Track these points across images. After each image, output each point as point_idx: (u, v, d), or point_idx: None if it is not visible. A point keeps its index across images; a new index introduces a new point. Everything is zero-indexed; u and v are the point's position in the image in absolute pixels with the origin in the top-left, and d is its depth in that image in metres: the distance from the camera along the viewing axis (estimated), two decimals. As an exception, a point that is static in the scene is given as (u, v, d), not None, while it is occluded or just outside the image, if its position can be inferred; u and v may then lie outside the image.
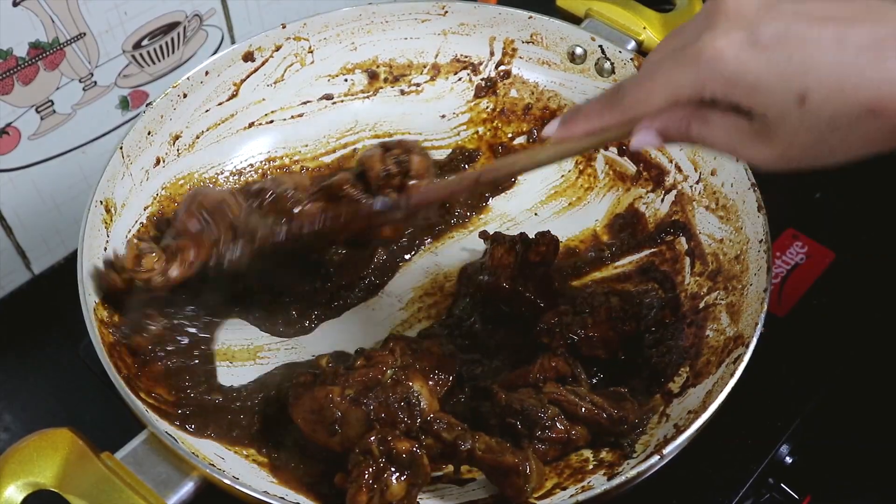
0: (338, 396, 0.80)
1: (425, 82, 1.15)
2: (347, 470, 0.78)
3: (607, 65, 1.08)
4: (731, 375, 0.80)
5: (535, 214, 1.09)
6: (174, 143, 1.02)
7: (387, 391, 0.81)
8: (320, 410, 0.81)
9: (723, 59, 0.60)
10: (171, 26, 1.13)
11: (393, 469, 0.76)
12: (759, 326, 0.83)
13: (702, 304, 0.94)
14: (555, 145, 0.77)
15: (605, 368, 0.92)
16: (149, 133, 0.99)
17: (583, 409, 0.85)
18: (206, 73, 1.03)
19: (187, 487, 0.74)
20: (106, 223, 0.92)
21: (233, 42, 1.20)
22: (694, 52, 0.61)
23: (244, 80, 1.07)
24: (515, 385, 0.88)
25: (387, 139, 1.12)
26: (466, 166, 1.11)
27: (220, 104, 1.06)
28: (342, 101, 1.14)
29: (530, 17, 1.10)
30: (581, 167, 1.11)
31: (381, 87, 1.15)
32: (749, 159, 0.66)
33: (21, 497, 0.72)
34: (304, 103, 1.12)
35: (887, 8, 0.57)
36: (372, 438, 0.77)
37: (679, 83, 0.63)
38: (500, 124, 1.14)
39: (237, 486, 0.74)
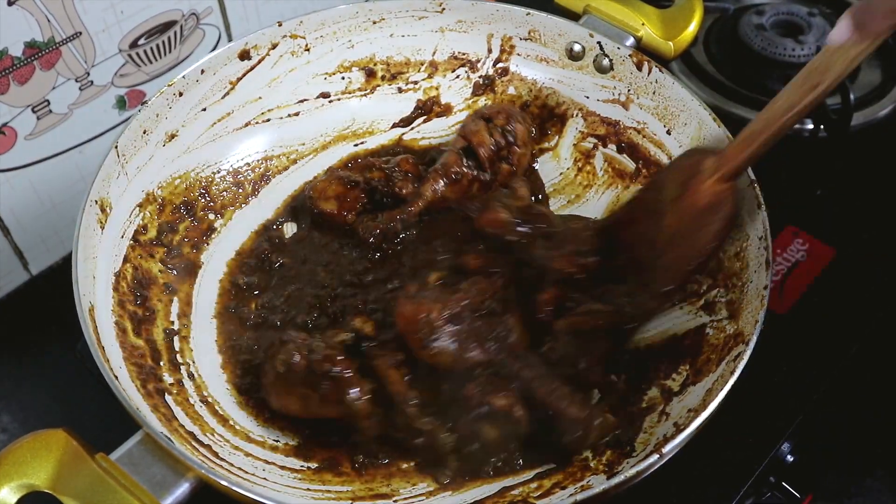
0: (437, 313, 0.85)
1: (423, 80, 1.15)
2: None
3: (606, 61, 1.07)
4: (732, 373, 0.79)
5: (534, 212, 1.08)
6: (170, 142, 1.02)
7: (482, 319, 0.86)
8: (418, 322, 0.85)
9: None
10: (168, 25, 1.12)
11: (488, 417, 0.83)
12: (759, 324, 0.82)
13: (702, 302, 0.94)
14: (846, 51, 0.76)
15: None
16: (144, 132, 0.99)
17: (600, 321, 0.89)
18: (202, 71, 1.03)
19: (183, 488, 0.74)
20: (101, 223, 0.91)
21: (230, 41, 1.20)
22: None
23: (240, 78, 1.07)
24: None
25: (483, 107, 1.11)
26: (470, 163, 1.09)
27: (216, 102, 1.05)
28: (339, 100, 1.13)
29: (528, 14, 1.09)
30: (580, 165, 1.10)
31: (379, 85, 1.14)
32: None
33: (15, 499, 0.72)
34: (301, 101, 1.12)
35: None
36: (474, 390, 0.83)
37: None
38: (498, 122, 1.14)
39: (233, 487, 0.73)
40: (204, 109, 1.05)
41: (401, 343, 0.88)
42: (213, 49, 1.19)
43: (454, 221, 1.04)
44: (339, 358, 0.86)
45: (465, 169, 1.02)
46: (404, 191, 1.03)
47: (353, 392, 0.84)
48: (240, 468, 0.83)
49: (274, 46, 1.08)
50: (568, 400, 0.84)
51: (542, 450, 0.86)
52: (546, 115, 1.12)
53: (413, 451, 0.86)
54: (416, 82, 1.15)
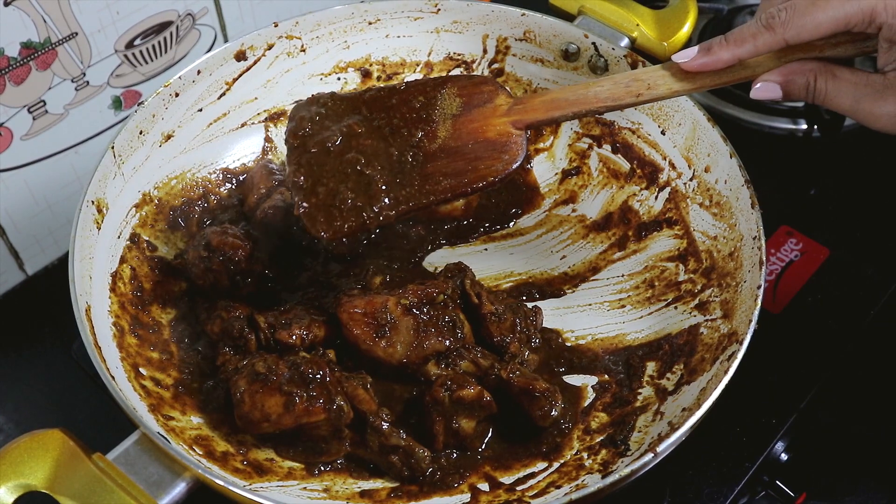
0: (393, 304, 0.88)
1: (418, 80, 1.15)
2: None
3: (601, 62, 1.07)
4: (726, 373, 0.80)
5: (530, 212, 1.09)
6: (166, 143, 1.02)
7: (437, 310, 0.88)
8: (374, 314, 0.88)
9: None
10: (164, 25, 1.12)
11: (462, 412, 0.85)
12: (753, 323, 0.83)
13: (695, 301, 0.94)
14: (675, 81, 0.80)
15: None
16: (140, 132, 0.99)
17: None
18: (198, 72, 1.03)
19: (179, 488, 0.74)
20: (97, 223, 0.91)
21: (226, 41, 1.19)
22: None
23: (236, 78, 1.07)
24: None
25: None
26: None
27: (212, 103, 1.06)
28: (335, 100, 1.13)
29: (523, 15, 1.10)
30: (575, 164, 1.11)
31: (375, 86, 1.14)
32: (870, 116, 0.69)
33: (12, 499, 0.72)
34: (297, 102, 1.12)
35: None
36: (442, 393, 0.84)
37: (850, 10, 0.65)
38: (493, 122, 1.14)
39: (229, 487, 0.73)
40: (200, 110, 1.05)
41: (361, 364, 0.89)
42: (209, 50, 1.19)
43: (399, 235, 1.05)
44: (328, 361, 0.86)
45: None
46: None
47: (338, 399, 0.83)
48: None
49: (270, 47, 1.08)
50: (530, 377, 0.87)
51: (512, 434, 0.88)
52: (541, 116, 1.12)
53: (388, 470, 0.85)
54: (411, 83, 1.15)
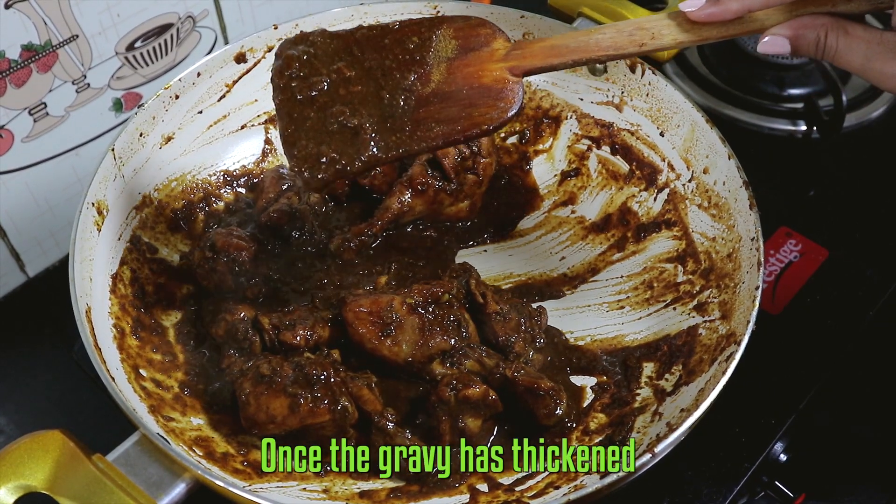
0: (399, 303, 0.90)
1: (418, 82, 1.15)
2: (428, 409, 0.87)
3: (599, 64, 1.07)
4: (724, 373, 0.80)
5: (529, 214, 1.09)
6: (166, 145, 1.02)
7: (442, 309, 0.89)
8: (379, 313, 0.89)
9: None
10: (165, 28, 1.13)
11: (468, 411, 0.86)
12: (752, 324, 0.83)
13: (694, 303, 0.94)
14: (681, 31, 0.77)
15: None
16: (141, 134, 0.99)
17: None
18: (199, 74, 1.03)
19: (179, 489, 0.74)
20: (98, 225, 0.92)
21: (226, 43, 1.20)
22: None
23: (236, 81, 1.07)
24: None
25: None
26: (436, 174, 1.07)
27: (212, 105, 1.06)
28: (335, 102, 1.13)
29: (522, 17, 1.10)
30: (574, 165, 1.11)
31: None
32: (880, 76, 0.68)
33: (12, 500, 0.72)
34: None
35: None
36: (448, 393, 0.85)
37: None
38: (493, 124, 1.14)
39: (228, 488, 0.74)
40: (200, 112, 1.05)
41: (366, 363, 0.90)
42: (210, 52, 1.19)
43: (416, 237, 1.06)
44: (333, 362, 0.87)
45: (430, 180, 1.02)
46: (374, 182, 1.05)
47: (342, 399, 0.84)
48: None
49: (270, 49, 1.08)
50: (535, 376, 0.87)
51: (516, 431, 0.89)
52: (540, 117, 1.13)
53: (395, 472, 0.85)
54: (411, 84, 1.15)
